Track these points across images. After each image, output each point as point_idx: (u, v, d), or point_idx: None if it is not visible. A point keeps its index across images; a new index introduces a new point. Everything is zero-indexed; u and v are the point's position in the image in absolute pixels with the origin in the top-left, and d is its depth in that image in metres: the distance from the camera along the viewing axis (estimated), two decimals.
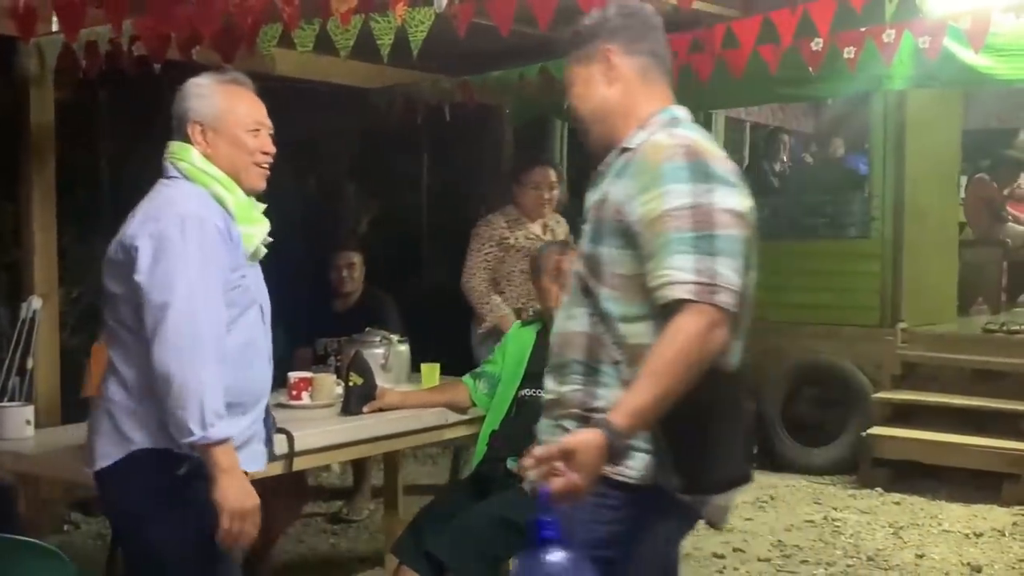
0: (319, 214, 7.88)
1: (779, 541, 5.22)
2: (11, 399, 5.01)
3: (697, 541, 5.20)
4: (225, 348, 2.43)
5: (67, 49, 4.86)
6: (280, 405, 3.93)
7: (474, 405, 3.85)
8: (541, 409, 3.57)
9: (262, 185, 2.63)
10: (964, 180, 9.57)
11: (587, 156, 8.41)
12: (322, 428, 3.60)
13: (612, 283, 2.00)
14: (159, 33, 4.27)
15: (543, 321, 3.78)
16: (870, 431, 6.39)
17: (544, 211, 5.27)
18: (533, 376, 3.68)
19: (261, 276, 2.70)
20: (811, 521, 5.60)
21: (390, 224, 8.62)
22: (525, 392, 3.71)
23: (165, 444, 2.40)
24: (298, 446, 3.32)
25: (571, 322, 2.08)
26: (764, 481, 6.47)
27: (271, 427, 2.87)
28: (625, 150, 2.08)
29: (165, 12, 3.80)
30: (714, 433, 1.95)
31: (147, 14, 3.92)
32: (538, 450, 1.90)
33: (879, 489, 6.22)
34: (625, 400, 1.88)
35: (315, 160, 7.90)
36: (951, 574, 4.74)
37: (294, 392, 3.97)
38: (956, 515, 5.69)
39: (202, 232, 2.41)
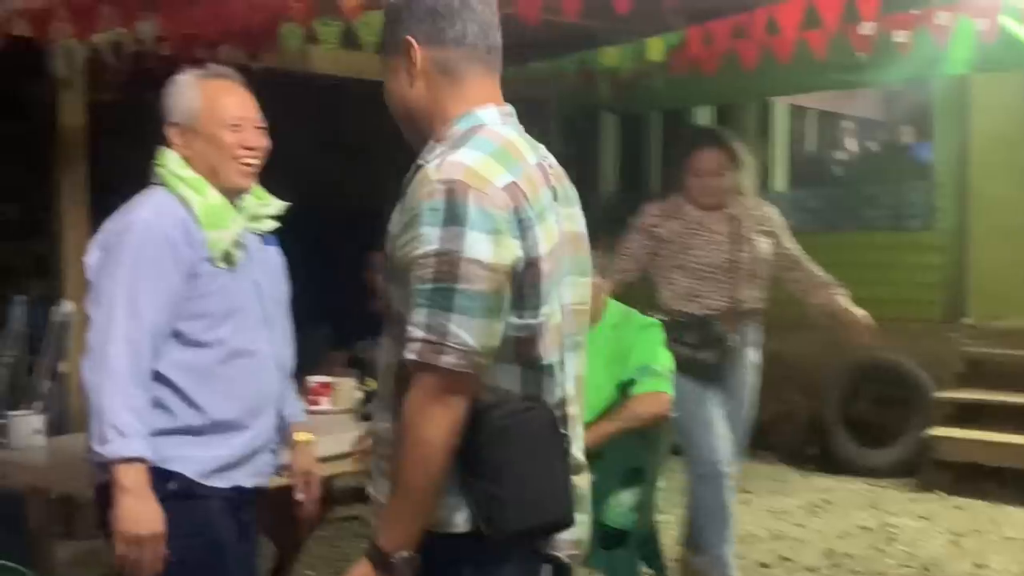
0: (366, 214, 7.85)
1: (830, 549, 5.04)
2: (45, 404, 5.05)
3: (742, 550, 5.04)
4: (175, 361, 2.36)
5: (95, 52, 4.89)
6: None
7: None
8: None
9: (245, 183, 2.48)
10: None
11: (641, 148, 8.23)
12: (339, 435, 3.53)
13: (399, 320, 1.77)
14: (182, 33, 4.25)
15: None
16: (931, 432, 6.17)
17: (716, 200, 4.22)
18: None
19: (261, 280, 2.54)
20: (866, 527, 5.40)
21: None
22: None
23: (152, 462, 2.29)
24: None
25: (385, 353, 1.87)
26: (820, 484, 6.30)
27: (281, 436, 2.68)
28: (419, 167, 1.81)
29: (176, 13, 3.75)
30: (515, 476, 1.73)
31: (160, 15, 3.88)
32: None
33: (940, 492, 6.00)
34: (382, 518, 1.77)
35: (360, 159, 7.86)
36: None
37: (312, 397, 3.91)
38: (1020, 521, 5.44)
39: (142, 240, 2.33)
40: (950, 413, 6.30)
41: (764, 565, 4.82)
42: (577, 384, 1.92)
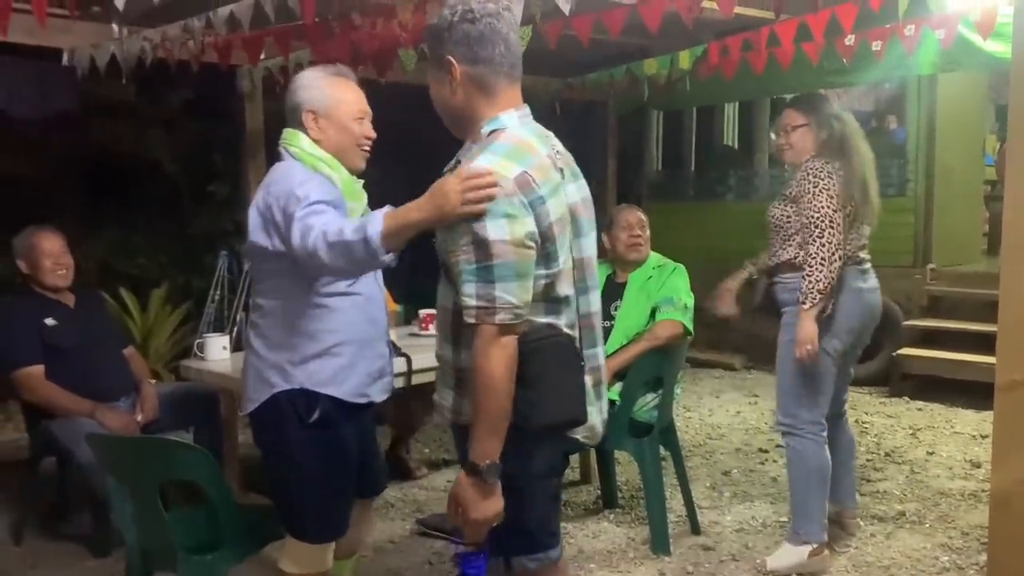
0: None
1: None
2: (239, 328, 5.21)
3: (747, 439, 4.97)
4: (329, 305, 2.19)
5: (269, 73, 4.95)
6: (412, 334, 3.94)
7: None
8: (608, 332, 3.44)
9: (363, 166, 2.30)
10: (999, 145, 8.88)
11: (680, 136, 7.97)
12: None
13: (448, 269, 1.77)
14: (327, 58, 4.26)
15: (611, 264, 3.63)
16: (900, 351, 5.95)
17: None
18: (603, 307, 3.56)
19: None
20: None
21: None
22: None
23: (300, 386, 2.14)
24: (416, 366, 3.27)
25: (442, 299, 1.86)
26: None
27: (392, 362, 2.49)
28: (458, 163, 1.78)
29: (320, 43, 3.76)
30: (543, 385, 1.72)
31: (308, 45, 3.90)
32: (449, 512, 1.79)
33: (906, 398, 5.79)
34: (472, 440, 1.71)
35: None
36: (954, 468, 4.35)
37: (423, 325, 3.95)
38: (967, 420, 5.22)
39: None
40: (915, 337, 6.08)
41: (763, 450, 4.73)
42: (594, 310, 1.91)
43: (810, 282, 2.99)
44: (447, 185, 1.69)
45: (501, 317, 1.66)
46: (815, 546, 3.12)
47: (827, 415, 3.20)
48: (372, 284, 2.36)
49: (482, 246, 1.65)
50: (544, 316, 1.76)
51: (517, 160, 1.72)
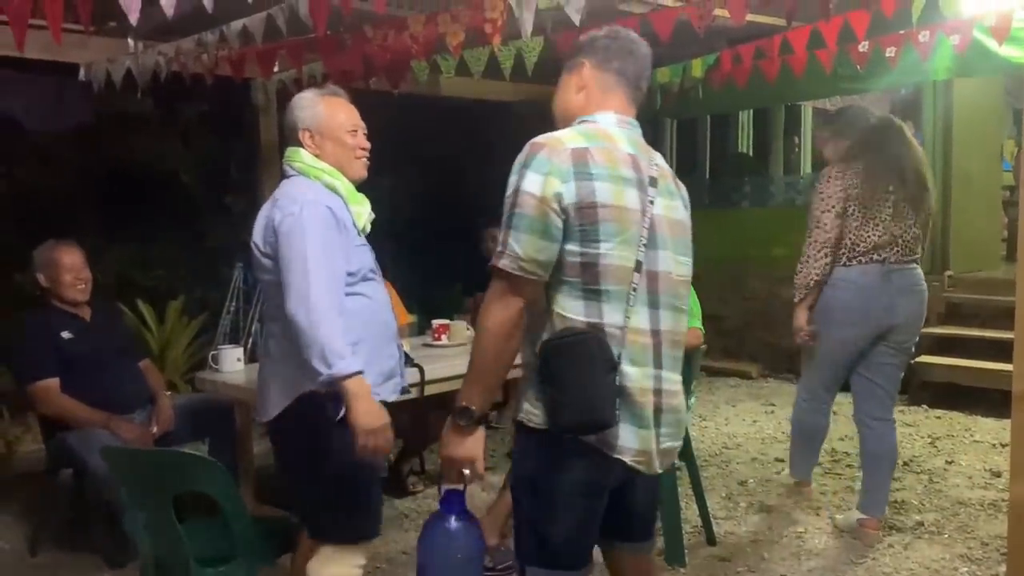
0: (485, 197, 7.85)
1: (833, 448, 4.85)
2: (254, 340, 5.23)
3: (764, 448, 4.93)
4: (344, 304, 2.21)
5: (283, 85, 4.99)
6: (425, 344, 3.94)
7: None
8: None
9: (364, 174, 2.39)
10: (1017, 150, 8.82)
11: (695, 145, 7.95)
12: (449, 362, 3.54)
13: None
14: (341, 70, 4.29)
15: None
16: (918, 359, 5.85)
17: None
18: None
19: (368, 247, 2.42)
20: None
21: None
22: None
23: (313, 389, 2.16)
24: (428, 376, 3.27)
25: None
26: None
27: (403, 364, 2.58)
28: None
29: (332, 56, 3.78)
30: (566, 384, 1.72)
31: (321, 58, 3.92)
32: None
33: (924, 406, 5.72)
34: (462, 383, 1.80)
35: (479, 155, 7.87)
36: (974, 478, 4.29)
37: (436, 335, 3.95)
38: (987, 428, 5.16)
39: (317, 213, 2.19)
40: (933, 345, 6.01)
41: (780, 460, 4.68)
42: (664, 328, 1.85)
43: (796, 277, 3.47)
44: (377, 422, 2.08)
45: (504, 263, 1.72)
46: (797, 480, 3.96)
47: (863, 418, 3.61)
48: (379, 288, 2.41)
49: (517, 194, 1.73)
50: (584, 316, 1.75)
51: (587, 139, 1.80)
